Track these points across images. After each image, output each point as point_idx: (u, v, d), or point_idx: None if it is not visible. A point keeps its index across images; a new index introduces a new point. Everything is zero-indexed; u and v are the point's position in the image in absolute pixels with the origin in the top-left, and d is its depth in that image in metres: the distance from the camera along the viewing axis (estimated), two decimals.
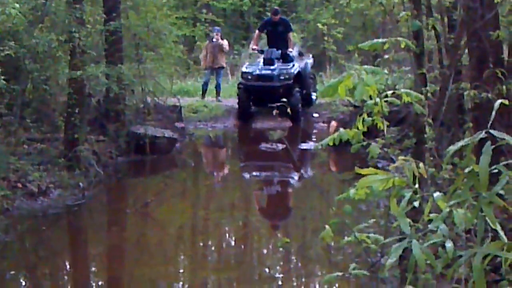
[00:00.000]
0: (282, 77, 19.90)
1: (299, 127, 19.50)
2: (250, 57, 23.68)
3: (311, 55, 22.72)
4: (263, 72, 20.19)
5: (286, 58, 20.49)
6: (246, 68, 20.76)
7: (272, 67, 20.17)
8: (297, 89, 20.08)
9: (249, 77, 20.27)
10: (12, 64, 13.52)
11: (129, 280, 8.93)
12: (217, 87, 22.32)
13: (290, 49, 20.67)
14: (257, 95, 20.24)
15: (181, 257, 10.25)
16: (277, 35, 20.75)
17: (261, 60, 20.62)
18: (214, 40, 22.18)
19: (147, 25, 18.66)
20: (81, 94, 14.71)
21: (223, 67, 22.92)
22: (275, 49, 20.44)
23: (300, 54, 21.79)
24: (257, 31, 21.86)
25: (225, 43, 22.72)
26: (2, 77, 11.97)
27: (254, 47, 21.41)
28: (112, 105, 16.59)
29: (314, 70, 26.77)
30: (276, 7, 23.25)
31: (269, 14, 30.74)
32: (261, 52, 21.08)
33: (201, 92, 22.40)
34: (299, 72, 20.46)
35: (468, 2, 7.61)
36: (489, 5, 7.96)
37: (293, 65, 20.41)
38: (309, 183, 15.05)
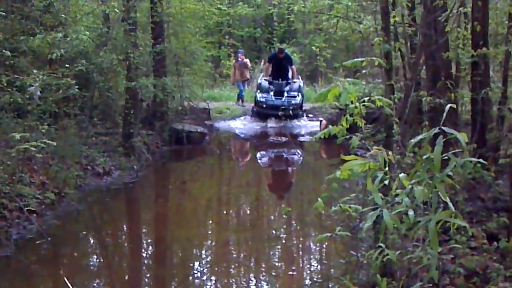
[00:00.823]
0: (290, 106, 19.27)
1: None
2: (261, 73, 23.27)
3: (300, 77, 22.27)
4: (275, 102, 19.68)
5: (289, 84, 20.25)
6: (260, 98, 20.06)
7: (282, 99, 19.81)
8: (299, 111, 19.99)
9: (264, 106, 19.81)
10: (83, 77, 13.55)
11: (171, 238, 8.95)
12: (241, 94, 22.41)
13: (294, 80, 20.55)
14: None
15: (209, 221, 10.26)
16: (282, 68, 20.41)
17: (271, 92, 20.10)
18: (239, 59, 22.17)
19: (184, 47, 18.69)
20: (135, 99, 14.73)
21: (247, 79, 22.87)
22: (283, 82, 20.20)
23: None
24: (267, 63, 21.38)
25: (247, 61, 22.75)
26: (76, 87, 11.98)
27: (266, 78, 20.81)
28: (158, 107, 16.62)
29: (309, 82, 26.82)
30: (281, 47, 22.24)
31: (275, 40, 31.02)
32: (271, 83, 20.45)
33: (236, 99, 22.49)
34: (301, 99, 20.24)
35: (425, 30, 7.57)
36: (441, 32, 7.95)
37: (297, 95, 20.14)
38: (306, 167, 15.07)
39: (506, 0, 9.14)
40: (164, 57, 17.02)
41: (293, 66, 21.05)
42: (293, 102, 19.84)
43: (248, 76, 22.84)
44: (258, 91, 20.45)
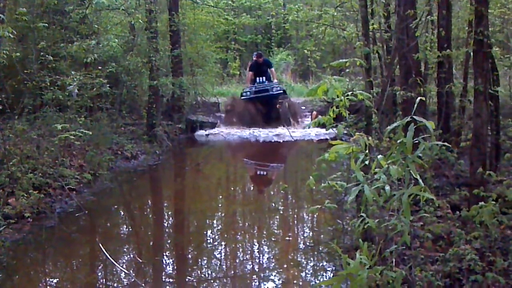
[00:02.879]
0: (274, 89, 17.44)
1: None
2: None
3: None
4: (260, 88, 17.58)
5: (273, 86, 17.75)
6: (244, 91, 17.92)
7: (266, 88, 17.54)
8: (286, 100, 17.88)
9: (248, 93, 17.62)
10: (113, 77, 13.55)
11: (187, 210, 8.96)
12: None
13: (275, 80, 18.21)
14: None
15: (219, 196, 10.26)
16: (262, 72, 17.95)
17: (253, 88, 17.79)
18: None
19: (197, 51, 18.67)
20: (157, 95, 14.72)
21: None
22: (264, 78, 17.92)
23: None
24: (250, 72, 18.32)
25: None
26: (107, 85, 11.99)
27: (248, 84, 18.28)
28: (176, 102, 16.63)
29: (302, 80, 26.72)
30: (259, 51, 19.73)
31: (273, 44, 30.87)
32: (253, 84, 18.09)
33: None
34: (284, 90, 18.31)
35: (399, 35, 7.55)
36: (412, 37, 7.90)
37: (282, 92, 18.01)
38: (299, 150, 15.05)
39: (466, 9, 9.10)
40: (181, 60, 17.02)
41: (273, 69, 18.73)
42: (277, 89, 17.63)
43: None
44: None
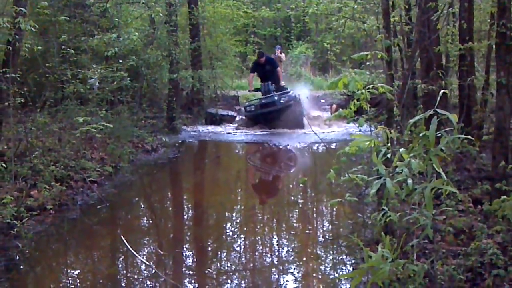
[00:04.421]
0: (282, 100, 15.28)
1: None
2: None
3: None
4: (265, 101, 15.39)
5: (280, 90, 15.71)
6: (248, 105, 15.91)
7: (273, 97, 15.31)
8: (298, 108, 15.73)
9: (252, 109, 15.61)
10: (134, 70, 13.63)
11: (207, 203, 8.98)
12: None
13: (282, 83, 16.13)
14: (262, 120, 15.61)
15: (239, 189, 10.29)
16: (267, 73, 15.74)
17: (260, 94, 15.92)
18: (276, 54, 20.99)
19: (217, 45, 18.72)
20: (177, 88, 14.80)
21: (282, 72, 21.50)
22: (269, 83, 15.62)
23: None
24: (251, 74, 16.35)
25: (283, 56, 21.60)
26: (128, 79, 12.05)
27: (250, 89, 16.28)
28: (195, 95, 16.71)
29: (321, 73, 26.60)
30: (261, 51, 17.67)
31: (293, 37, 30.78)
32: (257, 90, 16.14)
33: None
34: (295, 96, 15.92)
35: (420, 28, 7.47)
36: (433, 30, 7.84)
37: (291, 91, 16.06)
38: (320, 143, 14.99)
39: (488, 1, 9.00)
40: (200, 53, 17.07)
41: (279, 68, 16.49)
42: (287, 96, 15.44)
43: (282, 69, 21.40)
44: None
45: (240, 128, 15.91)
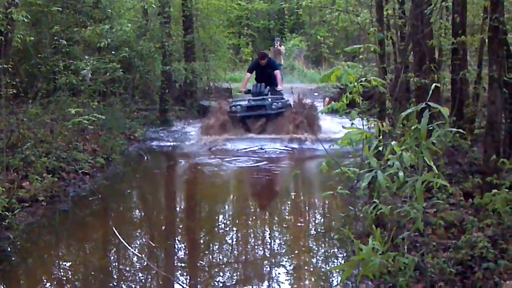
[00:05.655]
0: (274, 106, 13.27)
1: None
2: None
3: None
4: (254, 103, 13.29)
5: (274, 94, 13.71)
6: (234, 104, 13.70)
7: (263, 100, 13.31)
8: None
9: (238, 110, 13.35)
10: (127, 62, 13.57)
11: (200, 195, 8.97)
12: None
13: (279, 87, 13.88)
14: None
15: (231, 180, 10.26)
16: (266, 76, 13.81)
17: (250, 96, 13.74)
18: (275, 46, 20.96)
19: (210, 37, 18.68)
20: (169, 81, 14.79)
21: (281, 65, 19.92)
22: (263, 84, 13.72)
23: None
24: (247, 74, 14.62)
25: (282, 48, 21.34)
26: (121, 70, 12.02)
27: (242, 89, 14.33)
28: (188, 87, 16.66)
29: (314, 66, 26.61)
30: (263, 52, 15.42)
31: (286, 30, 30.74)
32: (249, 91, 13.95)
33: None
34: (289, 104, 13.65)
35: (413, 22, 7.48)
36: (426, 23, 7.83)
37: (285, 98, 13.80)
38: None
39: None
40: (193, 45, 17.01)
41: (278, 71, 14.31)
42: (278, 105, 13.32)
43: (281, 62, 20.69)
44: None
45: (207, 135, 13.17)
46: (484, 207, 5.30)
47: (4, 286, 5.39)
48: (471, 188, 6.48)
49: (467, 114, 8.77)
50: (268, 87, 13.76)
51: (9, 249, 6.14)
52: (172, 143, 12.70)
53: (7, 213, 6.61)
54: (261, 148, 11.99)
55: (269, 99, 13.37)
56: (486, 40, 7.16)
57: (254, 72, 14.33)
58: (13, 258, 5.97)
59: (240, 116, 13.30)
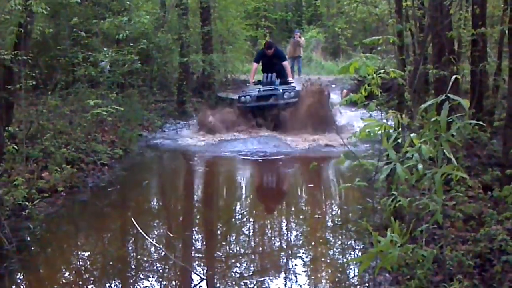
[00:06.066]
0: (286, 95, 12.53)
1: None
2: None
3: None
4: (264, 93, 12.61)
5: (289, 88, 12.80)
6: (243, 94, 13.00)
7: (274, 90, 12.70)
8: None
9: (247, 101, 12.64)
10: (145, 54, 13.59)
11: (217, 186, 8.99)
12: (298, 69, 20.34)
13: (290, 79, 13.34)
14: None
15: (248, 171, 10.26)
16: (273, 66, 13.23)
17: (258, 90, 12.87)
18: (295, 38, 20.64)
19: (228, 29, 18.65)
20: (187, 72, 14.79)
21: (300, 56, 20.65)
22: (274, 74, 13.15)
23: None
24: (254, 64, 13.95)
25: (302, 40, 21.04)
26: (139, 62, 12.07)
27: (251, 80, 13.85)
28: (206, 79, 16.63)
29: (332, 58, 26.45)
30: (269, 41, 14.83)
31: (304, 21, 30.62)
32: (259, 82, 13.39)
33: None
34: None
35: (432, 13, 7.41)
36: (446, 15, 7.76)
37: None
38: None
39: None
40: (211, 37, 16.97)
41: (286, 62, 13.85)
42: (290, 95, 12.51)
43: (300, 54, 20.72)
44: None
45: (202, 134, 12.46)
46: (503, 200, 5.26)
47: (24, 275, 5.45)
48: (490, 181, 6.43)
49: (487, 106, 8.69)
50: (279, 79, 13.16)
51: (28, 239, 6.21)
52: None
53: (27, 203, 6.69)
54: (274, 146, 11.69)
55: (281, 89, 12.66)
56: (506, 32, 7.08)
57: (260, 63, 13.74)
58: (32, 248, 6.03)
59: (250, 106, 12.57)
